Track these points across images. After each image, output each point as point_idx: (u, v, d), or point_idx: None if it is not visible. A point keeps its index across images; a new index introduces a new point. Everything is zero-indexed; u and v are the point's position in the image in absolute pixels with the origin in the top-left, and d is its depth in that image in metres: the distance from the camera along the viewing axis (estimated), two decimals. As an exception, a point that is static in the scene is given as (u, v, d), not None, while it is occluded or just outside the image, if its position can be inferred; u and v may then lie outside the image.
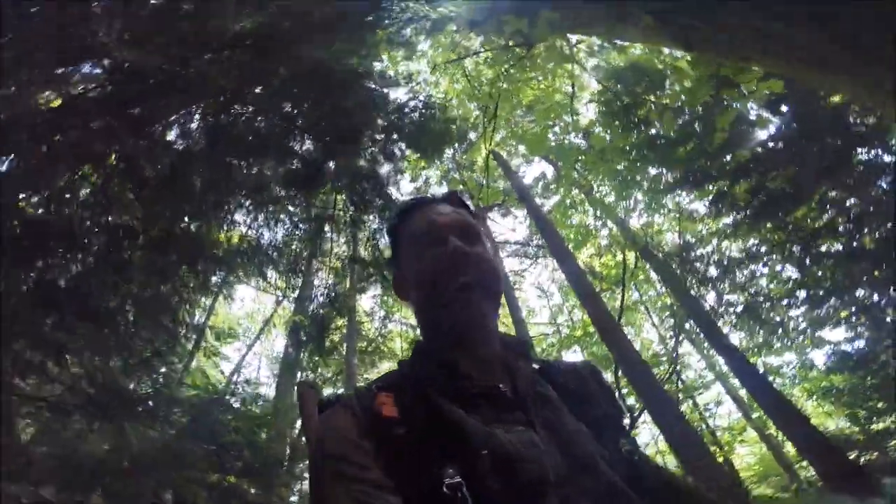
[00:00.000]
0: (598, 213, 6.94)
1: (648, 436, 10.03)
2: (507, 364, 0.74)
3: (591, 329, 8.59)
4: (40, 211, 3.33)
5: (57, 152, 3.23)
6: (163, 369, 4.60)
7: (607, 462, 0.64)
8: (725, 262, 6.46)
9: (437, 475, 0.54)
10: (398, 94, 5.76)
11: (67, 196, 3.57)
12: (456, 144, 6.45)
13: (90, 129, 3.00)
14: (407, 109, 5.76)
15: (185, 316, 4.57)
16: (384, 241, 6.44)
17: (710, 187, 5.62)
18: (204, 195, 4.41)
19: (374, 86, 5.47)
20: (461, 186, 8.33)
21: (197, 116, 4.41)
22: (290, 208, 5.68)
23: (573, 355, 13.57)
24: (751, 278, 6.49)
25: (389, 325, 13.58)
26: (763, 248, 5.97)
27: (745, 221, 5.54)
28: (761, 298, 6.38)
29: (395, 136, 5.87)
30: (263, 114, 4.32)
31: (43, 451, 3.45)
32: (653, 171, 5.43)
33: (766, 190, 5.00)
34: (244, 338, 14.51)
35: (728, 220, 5.96)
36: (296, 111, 4.72)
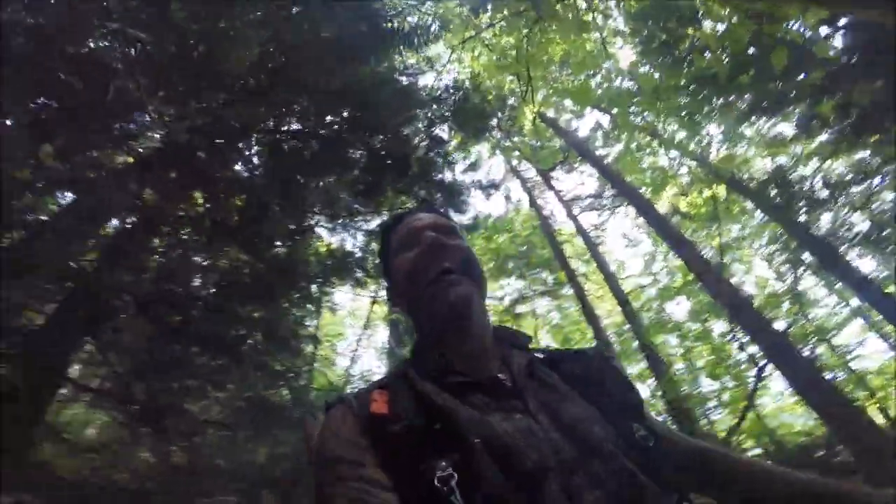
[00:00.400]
0: (670, 152, 6.37)
1: (781, 386, 9.13)
2: (502, 355, 0.77)
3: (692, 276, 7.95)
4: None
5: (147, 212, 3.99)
6: (293, 379, 5.40)
7: (621, 447, 0.63)
8: (833, 181, 5.54)
9: (429, 468, 0.55)
10: (426, 81, 5.83)
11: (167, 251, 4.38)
12: (499, 114, 6.35)
13: (167, 183, 3.61)
14: (439, 92, 5.84)
15: (298, 330, 5.20)
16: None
17: (791, 109, 4.85)
18: (281, 219, 5.02)
19: (402, 78, 5.60)
20: (516, 153, 8.18)
21: (253, 149, 4.97)
22: (362, 216, 6.07)
23: (676, 307, 12.74)
24: (869, 195, 5.49)
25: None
26: (877, 161, 5.01)
27: (845, 137, 4.70)
28: (887, 216, 5.39)
29: (435, 122, 6.00)
30: (310, 136, 4.69)
31: (219, 466, 4.28)
32: (719, 101, 4.83)
33: (857, 105, 4.21)
34: (352, 333, 16.00)
35: (823, 137, 5.09)
36: (338, 125, 5.04)
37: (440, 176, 6.69)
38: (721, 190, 6.72)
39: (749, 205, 7.14)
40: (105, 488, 3.44)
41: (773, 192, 6.09)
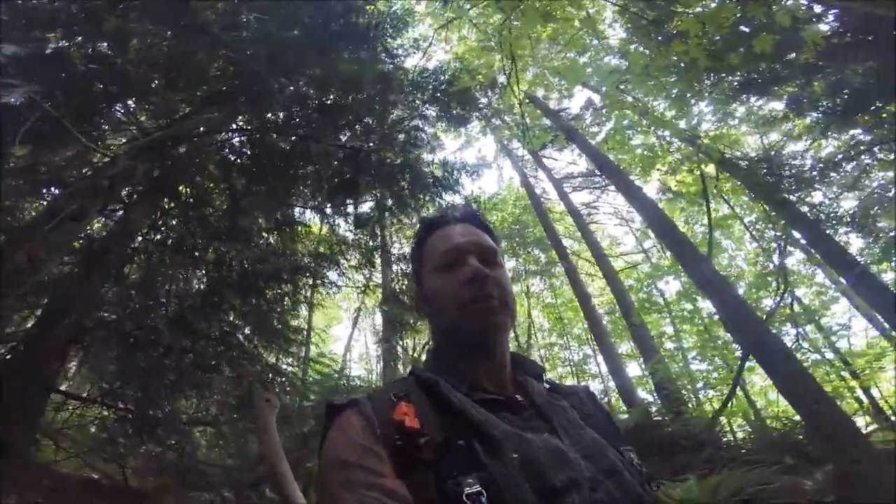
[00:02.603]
0: (660, 130, 6.47)
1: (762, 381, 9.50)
2: (517, 381, 0.81)
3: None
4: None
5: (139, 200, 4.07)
6: (288, 368, 5.55)
7: (628, 469, 0.70)
8: (823, 159, 5.72)
9: (457, 484, 0.56)
10: (414, 62, 5.82)
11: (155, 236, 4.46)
12: (488, 92, 6.36)
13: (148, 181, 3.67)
14: (425, 75, 5.84)
15: (288, 320, 5.30)
16: (441, 203, 6.74)
17: (781, 89, 4.96)
18: (264, 211, 5.08)
19: (387, 60, 5.59)
20: (506, 132, 8.21)
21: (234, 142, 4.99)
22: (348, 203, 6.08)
23: (666, 286, 13.02)
24: (859, 174, 5.69)
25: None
26: (869, 139, 5.17)
27: (836, 117, 4.84)
28: (877, 194, 5.61)
29: (419, 106, 6.02)
30: (290, 128, 4.72)
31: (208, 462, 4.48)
32: (708, 81, 4.93)
33: (849, 85, 4.33)
34: (346, 318, 16.16)
35: (816, 116, 5.23)
36: (318, 114, 5.04)
37: (430, 157, 6.76)
38: (710, 168, 6.87)
39: (739, 183, 7.31)
40: (103, 486, 3.63)
41: (763, 171, 6.26)
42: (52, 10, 3.34)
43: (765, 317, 6.64)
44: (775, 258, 8.37)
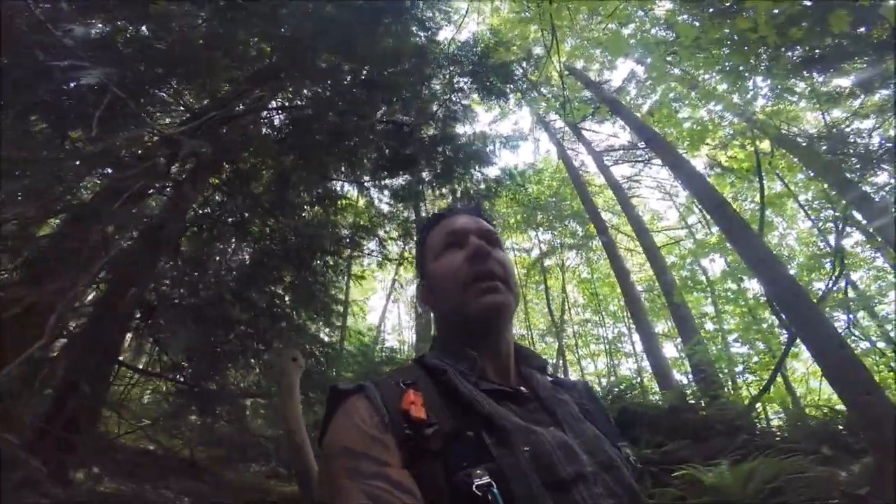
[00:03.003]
0: (711, 104, 6.17)
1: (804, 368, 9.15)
2: (521, 374, 0.82)
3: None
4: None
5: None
6: (325, 337, 5.85)
7: (625, 465, 0.71)
8: (893, 138, 5.30)
9: (466, 475, 0.56)
10: (445, 34, 5.74)
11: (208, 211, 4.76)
12: (524, 64, 6.24)
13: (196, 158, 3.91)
14: (462, 47, 5.78)
15: (328, 291, 5.53)
16: (478, 177, 6.79)
17: (850, 65, 4.58)
18: (308, 186, 5.29)
19: (420, 33, 5.55)
20: (543, 104, 8.04)
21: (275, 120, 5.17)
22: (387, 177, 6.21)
23: (710, 265, 12.57)
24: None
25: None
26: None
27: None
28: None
29: (459, 76, 5.97)
30: (329, 102, 4.83)
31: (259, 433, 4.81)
32: (766, 54, 4.62)
33: None
34: (382, 289, 16.59)
35: (886, 94, 4.82)
36: (356, 89, 5.11)
37: (466, 130, 6.75)
38: (765, 144, 6.52)
39: (796, 160, 6.90)
40: (166, 459, 4.03)
41: (824, 148, 5.89)
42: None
43: (816, 300, 6.39)
44: (831, 239, 7.96)
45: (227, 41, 3.88)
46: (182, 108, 4.75)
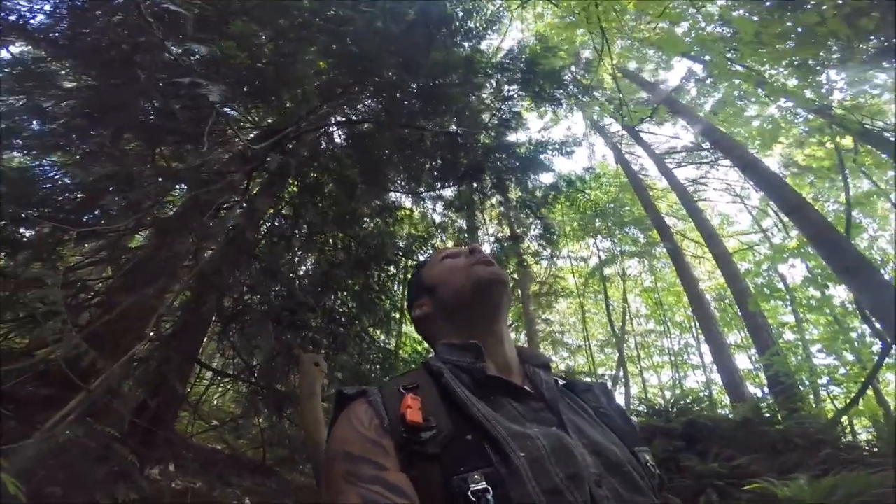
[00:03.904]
0: (782, 100, 5.91)
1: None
2: (526, 373, 0.84)
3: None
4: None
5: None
6: (384, 343, 6.15)
7: (637, 470, 0.70)
8: None
9: (462, 481, 0.58)
10: (490, 43, 5.92)
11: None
12: (572, 69, 6.30)
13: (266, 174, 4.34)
14: (508, 55, 5.95)
15: (387, 300, 5.84)
16: (534, 185, 6.86)
17: None
18: (370, 198, 5.66)
19: (465, 43, 5.75)
20: (597, 108, 8.04)
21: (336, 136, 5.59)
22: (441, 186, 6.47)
23: (790, 271, 11.79)
24: None
25: (559, 263, 14.15)
26: None
27: None
28: None
29: (508, 84, 6.14)
30: (385, 118, 5.17)
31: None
32: (835, 48, 4.40)
33: None
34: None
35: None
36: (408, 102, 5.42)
37: (519, 138, 6.87)
38: (847, 141, 6.13)
39: (884, 156, 6.41)
40: (238, 460, 4.41)
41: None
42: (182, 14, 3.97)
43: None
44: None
45: (292, 59, 4.27)
46: (250, 124, 5.27)
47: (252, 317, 4.02)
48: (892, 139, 5.62)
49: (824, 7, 3.46)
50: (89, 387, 2.34)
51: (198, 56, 3.09)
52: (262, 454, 4.91)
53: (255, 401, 4.72)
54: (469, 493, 0.56)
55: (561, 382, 0.87)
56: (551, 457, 0.63)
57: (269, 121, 5.18)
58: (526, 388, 0.78)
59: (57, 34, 3.54)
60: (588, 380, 0.96)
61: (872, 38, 4.20)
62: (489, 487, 0.57)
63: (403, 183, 6.34)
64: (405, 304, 1.09)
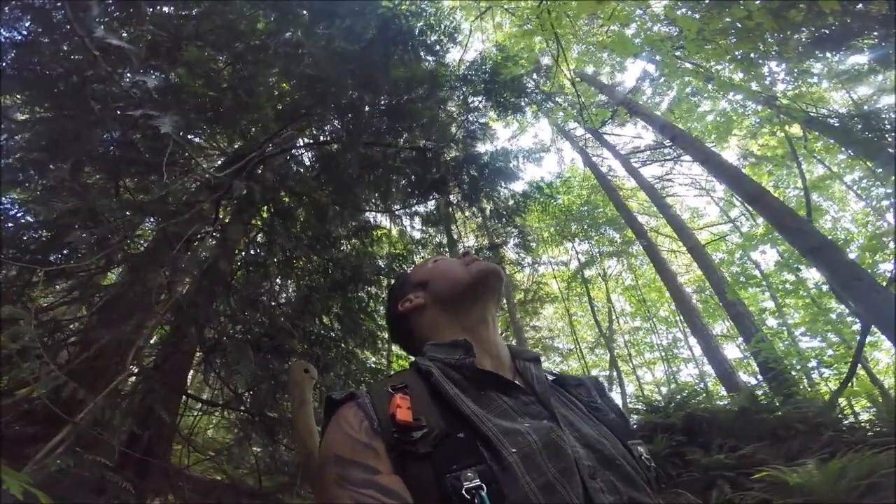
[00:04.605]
0: (731, 94, 6.28)
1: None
2: (517, 368, 0.85)
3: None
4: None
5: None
6: (373, 364, 6.15)
7: (631, 464, 0.71)
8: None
9: (455, 479, 0.58)
10: (453, 56, 6.14)
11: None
12: (535, 76, 6.55)
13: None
14: (470, 67, 6.19)
15: (373, 319, 5.90)
16: (506, 194, 7.02)
17: (859, 42, 4.63)
18: (344, 219, 5.73)
19: (429, 57, 5.97)
20: (560, 114, 8.33)
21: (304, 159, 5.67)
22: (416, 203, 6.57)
23: (762, 257, 12.19)
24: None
25: (540, 269, 14.40)
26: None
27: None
28: None
29: (472, 95, 6.35)
30: (352, 138, 5.29)
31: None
32: (772, 41, 4.74)
33: None
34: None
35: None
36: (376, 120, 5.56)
37: (487, 148, 7.07)
38: (796, 129, 6.51)
39: (832, 141, 6.82)
40: (236, 488, 4.37)
41: (860, 127, 5.81)
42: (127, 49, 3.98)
43: (885, 283, 6.15)
44: (889, 217, 7.66)
45: (251, 83, 4.31)
46: (217, 151, 5.31)
47: (232, 345, 4.02)
48: (837, 125, 6.01)
49: (756, 1, 3.73)
50: (74, 419, 2.34)
51: (152, 85, 3.14)
52: (261, 480, 4.82)
53: (247, 429, 4.69)
54: (463, 491, 0.57)
55: (551, 377, 0.87)
56: (543, 451, 0.63)
57: (237, 146, 5.25)
58: (517, 382, 0.79)
59: (5, 65, 3.51)
60: (580, 375, 0.97)
61: (803, 28, 4.56)
62: (482, 485, 0.57)
63: (377, 202, 6.44)
64: (386, 313, 1.09)
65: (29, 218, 3.57)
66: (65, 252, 3.54)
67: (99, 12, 3.38)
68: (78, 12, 2.94)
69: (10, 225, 3.46)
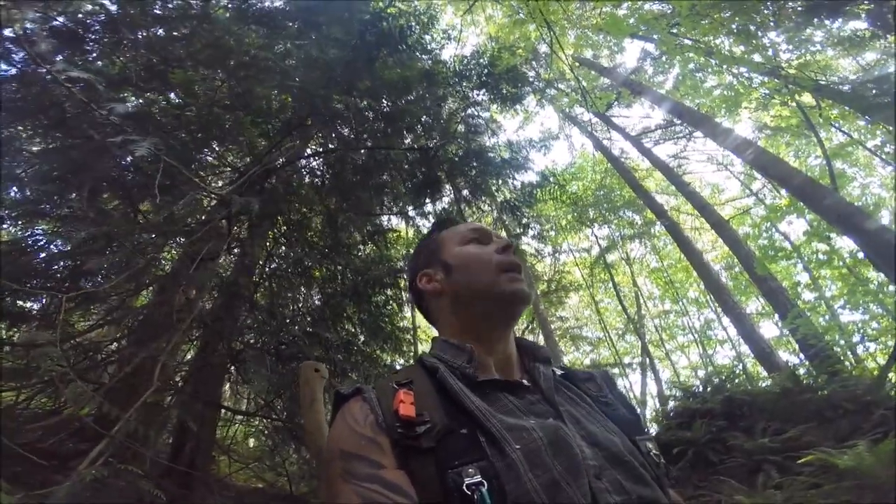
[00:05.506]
0: (735, 67, 6.19)
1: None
2: (524, 366, 0.85)
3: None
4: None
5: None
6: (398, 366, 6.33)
7: (639, 460, 0.70)
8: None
9: (457, 475, 0.59)
10: (448, 53, 6.20)
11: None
12: (533, 64, 6.57)
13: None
14: (466, 61, 6.26)
15: (396, 320, 6.02)
16: (516, 185, 7.08)
17: (855, 7, 4.52)
18: (356, 225, 5.92)
19: (424, 57, 6.07)
20: (564, 100, 8.35)
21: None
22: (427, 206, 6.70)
23: (790, 228, 11.81)
24: None
25: (561, 258, 14.37)
26: None
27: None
28: None
29: (471, 90, 6.43)
30: (357, 144, 5.46)
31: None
32: (767, 11, 4.68)
33: None
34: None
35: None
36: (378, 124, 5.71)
37: (492, 141, 7.15)
38: (807, 97, 6.37)
39: (847, 108, 6.61)
40: (275, 495, 4.63)
41: (873, 92, 5.64)
42: (120, 73, 3.96)
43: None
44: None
45: (247, 98, 4.46)
46: (229, 168, 5.53)
47: (251, 356, 4.28)
48: (848, 90, 5.83)
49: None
50: (110, 433, 2.60)
51: (123, 111, 3.29)
52: (292, 487, 5.04)
53: (280, 436, 4.89)
54: (464, 487, 0.57)
55: (559, 373, 0.87)
56: (548, 449, 0.63)
57: (247, 160, 5.50)
58: (524, 381, 0.80)
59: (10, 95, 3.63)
60: (590, 369, 0.97)
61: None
62: (484, 481, 0.58)
63: (389, 205, 6.61)
64: (408, 272, 1.05)
65: (53, 248, 3.77)
66: (98, 278, 3.80)
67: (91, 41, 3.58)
68: (34, 48, 3.11)
69: (41, 255, 3.76)
